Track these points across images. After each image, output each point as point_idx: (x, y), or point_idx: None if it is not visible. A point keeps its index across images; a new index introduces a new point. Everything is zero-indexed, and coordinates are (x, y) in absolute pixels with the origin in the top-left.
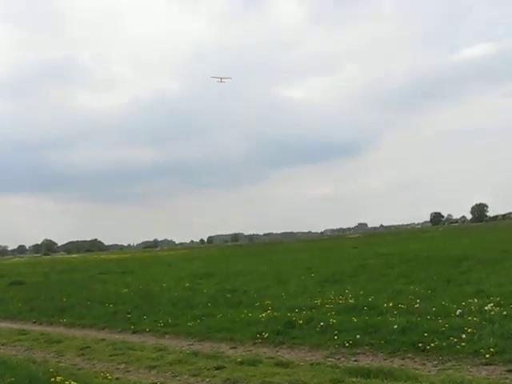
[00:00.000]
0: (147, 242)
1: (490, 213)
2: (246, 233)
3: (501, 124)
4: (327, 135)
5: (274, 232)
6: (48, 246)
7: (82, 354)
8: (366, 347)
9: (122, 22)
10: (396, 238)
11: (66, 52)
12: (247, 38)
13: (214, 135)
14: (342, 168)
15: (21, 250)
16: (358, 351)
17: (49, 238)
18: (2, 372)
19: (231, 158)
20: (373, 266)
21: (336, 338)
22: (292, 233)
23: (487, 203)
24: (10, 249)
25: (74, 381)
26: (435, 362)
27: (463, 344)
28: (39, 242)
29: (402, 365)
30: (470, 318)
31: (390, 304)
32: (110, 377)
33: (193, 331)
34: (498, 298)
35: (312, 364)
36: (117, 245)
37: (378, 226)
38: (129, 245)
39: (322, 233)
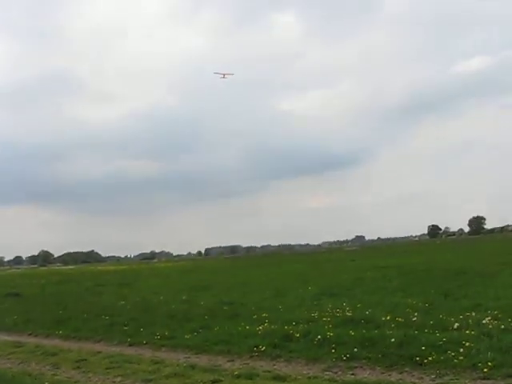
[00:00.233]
0: (144, 253)
1: (488, 225)
2: (244, 245)
3: (499, 137)
4: (325, 148)
5: (272, 244)
6: (45, 258)
7: (78, 367)
8: (364, 361)
9: (120, 35)
10: (393, 251)
11: (64, 64)
12: (245, 52)
13: (212, 147)
14: (340, 180)
15: (17, 261)
16: (356, 365)
17: (45, 249)
18: None
19: (228, 170)
20: (370, 279)
21: (333, 351)
22: (290, 245)
23: (484, 216)
24: (6, 260)
25: None
26: (433, 376)
27: (461, 358)
28: (36, 253)
29: (400, 379)
30: (467, 332)
31: (388, 317)
32: None
33: (190, 344)
34: (495, 312)
35: (309, 378)
36: (114, 256)
37: (376, 238)
38: (126, 256)
39: (319, 245)
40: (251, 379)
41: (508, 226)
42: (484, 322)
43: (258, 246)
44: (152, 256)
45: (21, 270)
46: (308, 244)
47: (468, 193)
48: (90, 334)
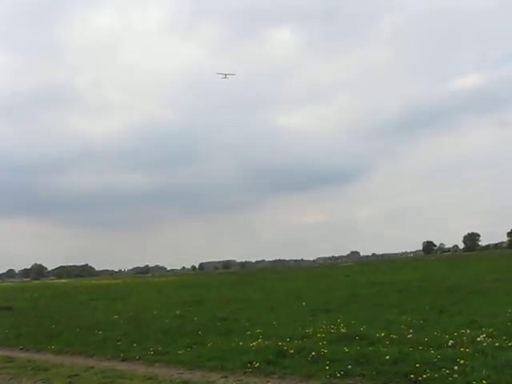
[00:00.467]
0: (138, 267)
1: (482, 242)
2: (238, 260)
3: (495, 153)
4: (320, 163)
5: (266, 259)
6: (38, 271)
7: (70, 382)
8: (358, 378)
9: (118, 49)
10: (388, 267)
11: (63, 77)
12: (241, 67)
13: (206, 162)
14: (335, 196)
15: (10, 274)
16: (350, 382)
17: (39, 263)
18: None
19: (223, 185)
20: (365, 295)
21: (327, 368)
22: (284, 260)
23: (479, 232)
24: None
25: None
26: None
27: (455, 375)
28: (29, 267)
29: None
30: (462, 349)
31: (382, 334)
32: None
33: (183, 359)
34: (490, 329)
35: None
36: (108, 270)
37: (371, 254)
38: (120, 270)
39: (314, 261)
40: None
41: (502, 242)
42: (479, 339)
43: (253, 261)
44: (146, 270)
45: (13, 283)
46: (303, 259)
47: (463, 209)
48: (82, 349)
